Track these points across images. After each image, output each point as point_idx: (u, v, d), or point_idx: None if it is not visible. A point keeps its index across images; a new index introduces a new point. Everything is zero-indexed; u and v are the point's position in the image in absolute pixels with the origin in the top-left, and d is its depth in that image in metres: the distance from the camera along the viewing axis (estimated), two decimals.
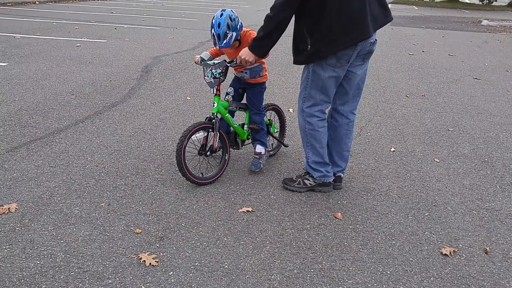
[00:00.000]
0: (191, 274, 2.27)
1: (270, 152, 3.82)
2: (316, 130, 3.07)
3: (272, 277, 2.29)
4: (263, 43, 2.89)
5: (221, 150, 3.42)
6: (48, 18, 12.52)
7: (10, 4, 15.74)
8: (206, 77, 3.20)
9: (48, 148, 3.74)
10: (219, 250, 2.48)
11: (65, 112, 4.66)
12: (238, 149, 3.62)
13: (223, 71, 3.16)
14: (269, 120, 3.78)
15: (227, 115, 3.35)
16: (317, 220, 2.85)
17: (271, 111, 3.94)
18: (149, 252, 2.41)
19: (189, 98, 5.41)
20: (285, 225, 2.77)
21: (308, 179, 3.24)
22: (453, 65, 8.60)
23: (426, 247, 2.63)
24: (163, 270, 2.29)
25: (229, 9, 3.13)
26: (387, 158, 3.93)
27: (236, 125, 3.47)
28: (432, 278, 2.35)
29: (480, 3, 35.39)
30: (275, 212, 2.93)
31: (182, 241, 2.54)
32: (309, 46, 2.82)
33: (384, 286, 2.27)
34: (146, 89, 5.72)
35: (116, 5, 18.47)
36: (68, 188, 3.08)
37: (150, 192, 3.09)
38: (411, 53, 9.76)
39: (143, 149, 3.83)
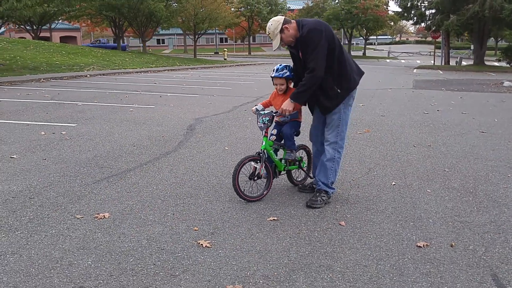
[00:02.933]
0: (233, 252, 3.29)
1: (298, 179, 4.97)
2: (341, 158, 4.41)
3: (290, 255, 3.28)
4: (305, 94, 4.19)
5: (266, 177, 4.50)
6: (101, 88, 14.20)
7: (66, 78, 17.71)
8: (258, 123, 4.41)
9: (123, 181, 4.90)
10: (252, 240, 3.50)
11: (131, 158, 5.85)
12: (276, 177, 4.68)
13: (270, 119, 4.36)
14: (300, 157, 4.88)
15: (271, 151, 4.46)
16: (325, 226, 3.85)
17: (302, 150, 5.00)
18: (204, 239, 3.46)
19: (227, 148, 6.55)
20: (301, 228, 3.78)
21: (324, 196, 4.35)
22: (464, 121, 9.54)
23: (406, 242, 3.57)
24: (215, 249, 3.32)
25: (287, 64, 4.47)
26: (387, 189, 4.90)
27: (276, 159, 4.56)
28: (406, 259, 3.29)
29: (509, 65, 36.20)
30: (294, 220, 3.95)
31: (227, 235, 3.58)
32: (338, 90, 4.19)
33: (370, 262, 3.22)
34: (192, 142, 6.91)
35: (158, 78, 20.35)
36: (142, 205, 4.19)
37: (202, 208, 4.17)
38: (426, 112, 10.76)
39: (194, 182, 4.93)
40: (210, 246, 3.38)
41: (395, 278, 3.02)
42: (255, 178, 4.41)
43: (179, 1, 39.20)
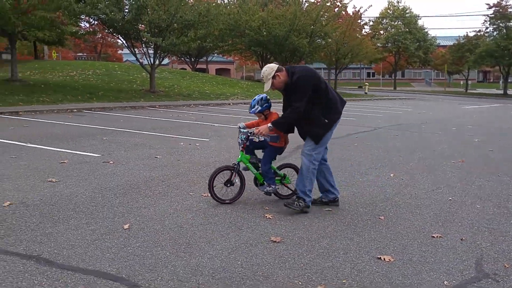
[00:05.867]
0: (291, 225, 4.68)
1: (280, 192, 5.56)
2: (316, 169, 5.11)
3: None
4: (284, 124, 5.06)
5: (239, 186, 5.36)
6: (238, 115, 16.41)
7: (212, 105, 20.46)
8: (238, 139, 5.27)
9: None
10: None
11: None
12: (257, 187, 5.46)
13: (246, 137, 5.18)
14: (284, 174, 5.52)
15: (248, 164, 5.30)
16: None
17: (288, 168, 5.66)
18: (273, 230, 4.91)
19: None
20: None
21: (301, 202, 5.05)
22: None
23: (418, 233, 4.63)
24: (276, 221, 4.74)
25: (265, 94, 5.26)
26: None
27: (255, 172, 5.34)
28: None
29: None
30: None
31: (290, 222, 4.98)
32: (326, 120, 4.99)
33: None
34: (292, 158, 8.39)
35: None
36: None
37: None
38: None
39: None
40: (271, 217, 4.81)
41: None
42: (229, 184, 5.29)
43: (323, 37, 41.18)
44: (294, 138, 5.48)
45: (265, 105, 5.24)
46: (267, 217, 4.87)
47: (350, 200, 5.68)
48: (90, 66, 34.15)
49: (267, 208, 5.22)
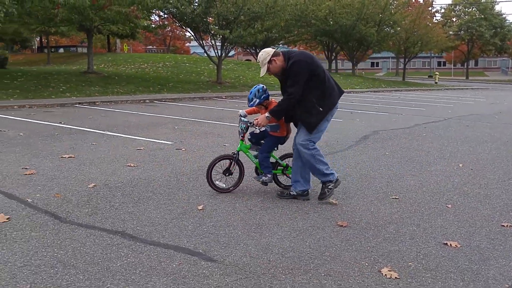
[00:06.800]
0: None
1: (285, 183, 5.47)
2: (318, 151, 4.95)
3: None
4: (280, 113, 4.92)
5: (238, 175, 5.31)
6: None
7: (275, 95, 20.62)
8: (238, 127, 5.20)
9: None
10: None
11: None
12: (257, 176, 5.35)
13: (246, 126, 5.10)
14: (286, 164, 5.40)
15: (248, 153, 5.26)
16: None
17: (291, 158, 5.37)
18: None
19: (387, 153, 7.90)
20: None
21: (329, 185, 4.97)
22: None
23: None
24: (342, 207, 4.88)
25: (261, 85, 5.10)
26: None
27: (255, 161, 5.29)
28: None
29: None
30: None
31: (356, 208, 5.09)
32: (320, 109, 4.84)
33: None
34: (360, 147, 8.44)
35: (357, 97, 22.12)
36: None
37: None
38: None
39: (346, 176, 6.49)
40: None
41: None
42: (227, 174, 5.25)
43: (392, 26, 40.27)
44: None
45: (263, 96, 5.10)
46: (333, 202, 4.99)
47: (417, 188, 5.69)
48: (160, 59, 35.42)
49: None
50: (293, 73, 4.76)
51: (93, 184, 5.47)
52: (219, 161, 5.25)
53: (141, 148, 7.73)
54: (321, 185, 5.11)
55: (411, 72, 67.61)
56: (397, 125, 11.84)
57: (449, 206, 5.01)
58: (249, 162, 5.50)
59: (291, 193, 5.12)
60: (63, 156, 6.95)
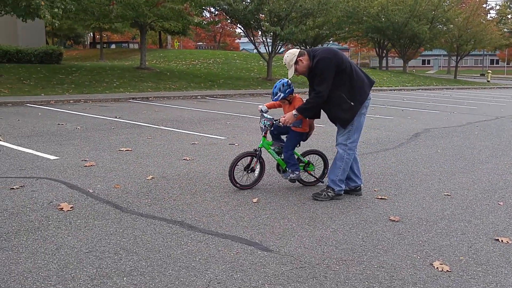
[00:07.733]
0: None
1: (305, 180, 5.50)
2: (351, 160, 4.95)
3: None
4: (309, 111, 4.90)
5: (259, 172, 5.31)
6: None
7: (246, 95, 20.58)
8: (260, 123, 5.16)
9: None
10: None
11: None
12: (280, 173, 5.41)
13: (270, 124, 5.07)
14: (307, 161, 5.40)
15: (270, 150, 5.25)
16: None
17: (314, 155, 5.53)
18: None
19: (439, 151, 7.85)
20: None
21: (330, 192, 4.96)
22: None
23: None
24: (394, 202, 4.94)
25: (286, 79, 5.09)
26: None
27: (277, 158, 5.28)
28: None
29: None
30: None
31: (408, 204, 5.15)
32: (352, 103, 4.77)
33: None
34: (411, 144, 8.41)
35: (408, 95, 21.77)
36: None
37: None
38: None
39: (394, 171, 6.52)
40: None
41: None
42: (249, 170, 5.25)
43: (445, 23, 39.30)
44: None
45: (287, 90, 5.12)
46: (384, 198, 5.07)
47: (468, 186, 5.69)
48: (211, 55, 35.99)
49: (376, 190, 5.41)
50: (319, 70, 4.75)
51: (151, 176, 5.73)
52: (242, 158, 5.26)
53: (195, 142, 8.00)
54: (324, 187, 5.15)
55: (462, 70, 65.60)
56: (449, 123, 11.68)
57: (501, 203, 5.00)
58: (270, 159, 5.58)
59: (329, 193, 5.01)
60: (120, 149, 7.28)
